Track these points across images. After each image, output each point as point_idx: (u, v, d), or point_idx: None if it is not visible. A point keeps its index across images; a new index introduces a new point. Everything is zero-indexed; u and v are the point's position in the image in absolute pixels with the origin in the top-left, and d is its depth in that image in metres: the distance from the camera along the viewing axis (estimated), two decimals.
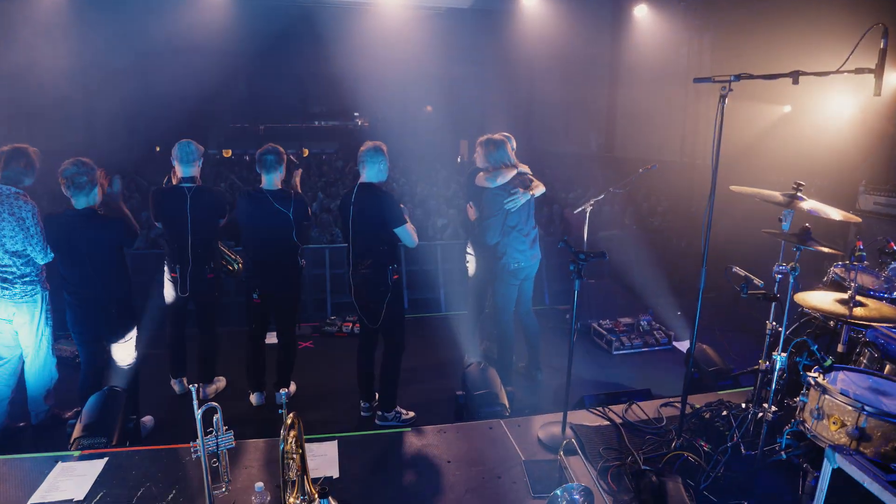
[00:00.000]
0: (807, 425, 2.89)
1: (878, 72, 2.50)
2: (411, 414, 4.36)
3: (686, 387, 3.38)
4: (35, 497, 2.97)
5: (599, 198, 5.50)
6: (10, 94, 10.16)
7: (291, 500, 2.65)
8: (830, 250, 3.07)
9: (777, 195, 3.21)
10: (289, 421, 2.66)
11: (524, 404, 4.46)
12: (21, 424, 4.14)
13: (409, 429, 3.73)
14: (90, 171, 3.70)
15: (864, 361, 3.33)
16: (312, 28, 13.89)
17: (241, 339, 4.67)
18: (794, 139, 7.40)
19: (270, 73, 17.50)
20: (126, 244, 3.92)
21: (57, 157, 3.75)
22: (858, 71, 2.56)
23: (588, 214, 5.53)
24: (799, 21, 6.90)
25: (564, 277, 6.12)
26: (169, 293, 4.49)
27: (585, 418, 3.79)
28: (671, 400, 3.99)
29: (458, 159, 17.35)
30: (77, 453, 3.34)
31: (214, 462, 2.79)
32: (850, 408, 2.67)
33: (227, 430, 2.73)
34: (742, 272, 3.12)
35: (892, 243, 4.12)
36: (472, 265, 5.06)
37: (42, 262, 3.88)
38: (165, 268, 4.46)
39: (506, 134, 4.83)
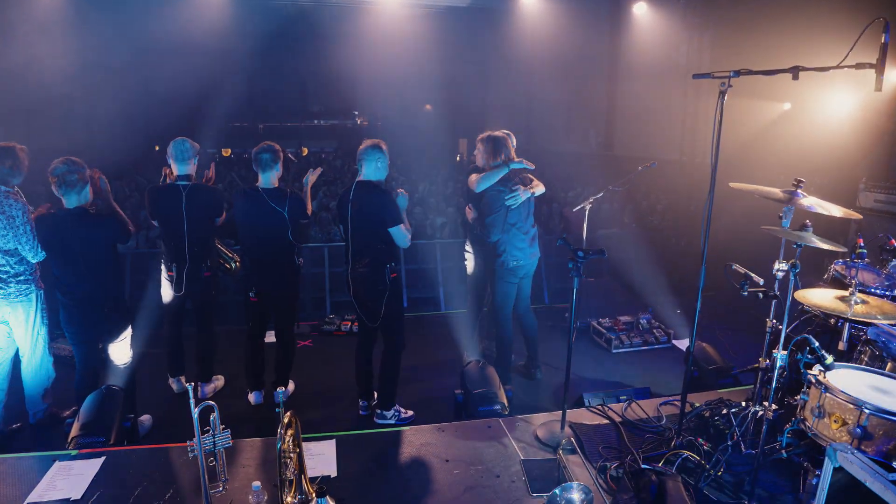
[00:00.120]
0: (808, 424, 2.87)
1: (879, 67, 2.47)
2: (410, 412, 4.34)
3: (686, 385, 3.37)
4: (32, 496, 2.96)
5: (598, 196, 5.48)
6: (10, 93, 10.14)
7: (289, 499, 2.63)
8: (831, 247, 3.05)
9: (777, 192, 3.19)
10: (286, 420, 2.65)
11: (523, 403, 4.45)
12: (18, 424, 4.13)
13: (408, 427, 3.72)
14: (80, 169, 3.68)
15: (866, 359, 3.31)
16: (312, 27, 13.88)
17: (239, 337, 4.66)
18: (794, 136, 7.39)
19: (270, 72, 17.47)
20: (120, 242, 3.90)
21: (56, 156, 3.72)
22: (859, 66, 2.53)
23: (587, 212, 5.51)
24: (799, 18, 6.88)
25: (564, 276, 6.10)
26: (166, 292, 4.47)
27: (584, 417, 3.78)
28: (671, 398, 3.98)
29: (458, 158, 17.33)
30: (74, 452, 3.33)
31: (211, 461, 2.77)
32: (851, 406, 2.66)
33: (224, 429, 2.71)
34: (742, 270, 3.10)
35: (893, 240, 4.10)
36: (470, 263, 5.05)
37: (33, 261, 3.85)
38: (162, 266, 4.44)
39: (506, 131, 4.82)
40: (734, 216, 6.08)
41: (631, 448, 3.35)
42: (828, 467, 2.28)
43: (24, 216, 3.73)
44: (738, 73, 2.84)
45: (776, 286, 3.08)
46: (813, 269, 4.50)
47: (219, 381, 4.80)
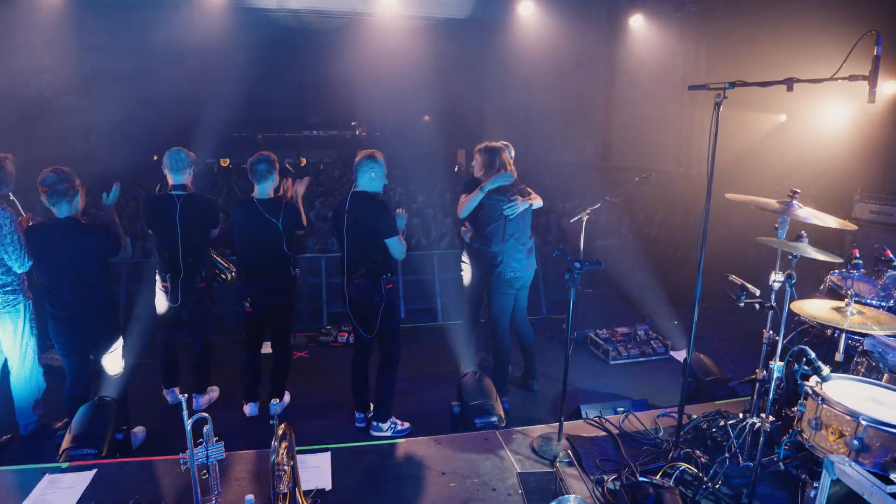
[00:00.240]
0: (805, 435, 2.86)
1: (872, 79, 2.49)
2: (406, 424, 4.31)
3: (683, 397, 3.35)
4: None
5: (596, 207, 5.49)
6: (9, 102, 10.17)
7: None
8: (826, 258, 3.05)
9: (773, 203, 3.20)
10: (280, 432, 2.63)
11: (520, 414, 4.43)
12: (9, 436, 4.09)
13: (404, 440, 3.70)
14: (70, 178, 3.66)
15: (863, 370, 3.30)
16: (310, 38, 13.96)
17: (235, 348, 4.64)
18: (789, 147, 7.43)
19: (269, 82, 17.53)
20: (110, 253, 3.85)
21: (57, 166, 3.71)
22: (852, 78, 2.55)
23: (584, 223, 5.51)
24: (795, 30, 6.93)
25: (561, 287, 6.10)
26: (161, 302, 4.45)
27: (582, 429, 3.75)
28: (668, 410, 3.95)
29: (456, 168, 17.38)
30: (65, 465, 3.30)
31: (204, 474, 2.75)
32: (848, 417, 2.64)
33: (217, 441, 2.69)
34: (738, 281, 3.10)
35: (888, 251, 4.10)
36: (467, 274, 5.03)
37: (19, 271, 3.82)
38: (157, 277, 4.42)
39: (505, 142, 4.83)
40: (731, 227, 6.09)
41: (628, 460, 3.33)
42: (825, 479, 2.27)
43: (11, 225, 3.69)
44: (733, 85, 2.85)
45: (772, 297, 3.08)
46: (809, 280, 4.50)
47: (214, 393, 4.77)
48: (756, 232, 3.40)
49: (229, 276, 4.63)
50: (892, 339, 3.13)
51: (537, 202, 4.55)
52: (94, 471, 3.22)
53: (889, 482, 2.43)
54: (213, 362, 4.73)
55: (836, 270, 4.12)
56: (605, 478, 3.15)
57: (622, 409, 4.01)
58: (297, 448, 2.81)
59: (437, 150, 15.75)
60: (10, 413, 4.11)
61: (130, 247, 7.06)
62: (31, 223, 3.86)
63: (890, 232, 5.96)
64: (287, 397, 4.67)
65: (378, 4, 9.35)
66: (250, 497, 2.65)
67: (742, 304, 3.04)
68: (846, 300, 3.17)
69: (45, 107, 10.78)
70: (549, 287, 7.14)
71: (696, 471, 3.14)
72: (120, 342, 4.00)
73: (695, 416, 3.69)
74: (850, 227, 3.24)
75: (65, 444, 3.44)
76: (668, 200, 9.69)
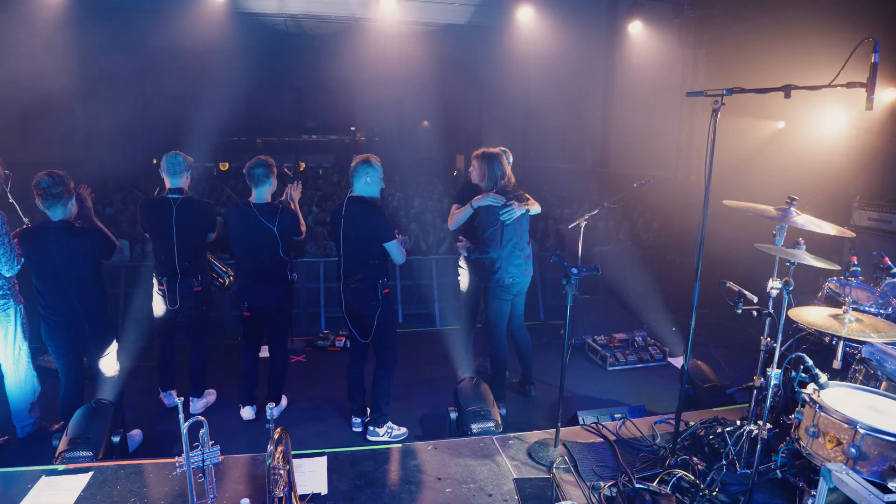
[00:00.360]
0: (802, 443, 2.85)
1: (869, 86, 2.50)
2: (403, 430, 4.30)
3: (680, 403, 3.34)
4: None
5: (594, 213, 5.50)
6: (10, 106, 10.17)
7: None
8: (823, 265, 3.05)
9: (770, 210, 3.20)
10: (276, 436, 2.62)
11: (517, 420, 4.41)
12: (5, 438, 4.07)
13: (400, 445, 3.69)
14: (65, 181, 3.65)
15: (861, 378, 3.30)
16: (310, 43, 13.99)
17: (233, 352, 4.63)
18: (788, 154, 7.44)
19: (268, 87, 17.55)
20: (104, 257, 3.84)
21: (57, 169, 3.71)
22: (850, 85, 2.56)
23: (583, 229, 5.52)
24: (794, 37, 6.95)
25: (559, 293, 6.09)
26: (158, 306, 4.44)
27: (579, 435, 3.75)
28: (666, 417, 3.95)
29: (454, 173, 17.40)
30: (62, 467, 3.29)
31: (200, 477, 2.73)
32: (845, 425, 2.64)
33: (213, 444, 2.68)
34: (736, 287, 3.10)
35: (887, 258, 4.11)
36: (464, 279, 5.03)
37: (8, 275, 3.81)
38: (154, 280, 4.42)
39: (503, 148, 4.83)
40: (729, 233, 6.09)
41: (625, 467, 3.32)
42: (823, 488, 2.27)
43: (2, 227, 3.68)
44: (730, 92, 2.86)
45: (770, 304, 3.08)
46: (808, 288, 4.50)
47: (211, 396, 4.75)
48: (754, 238, 3.41)
49: (227, 281, 4.63)
50: (890, 346, 3.13)
51: (535, 208, 4.55)
52: (91, 473, 3.21)
53: (887, 491, 2.43)
54: (210, 366, 4.72)
55: (835, 277, 4.13)
56: (602, 484, 3.14)
57: (619, 415, 4.00)
58: (293, 452, 2.81)
59: (435, 155, 15.77)
60: (7, 415, 4.10)
61: (129, 249, 7.09)
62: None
63: (888, 239, 5.96)
64: (284, 401, 4.66)
65: (377, 10, 9.37)
66: (246, 501, 2.64)
67: (740, 311, 3.04)
68: (844, 307, 3.17)
69: (45, 110, 10.79)
70: (547, 293, 7.15)
71: (693, 478, 3.13)
72: (114, 345, 3.98)
73: (692, 423, 3.68)
74: (848, 234, 3.25)
75: (61, 446, 3.43)
76: (667, 207, 9.71)
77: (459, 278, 5.09)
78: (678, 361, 5.67)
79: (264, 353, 4.62)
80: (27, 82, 9.97)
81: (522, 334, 4.83)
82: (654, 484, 3.10)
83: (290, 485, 2.67)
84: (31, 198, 3.75)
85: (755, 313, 3.06)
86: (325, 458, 3.42)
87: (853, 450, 2.58)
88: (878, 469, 2.55)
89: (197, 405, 4.57)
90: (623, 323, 6.26)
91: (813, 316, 3.23)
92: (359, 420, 4.36)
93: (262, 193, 4.18)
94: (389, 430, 4.24)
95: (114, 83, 12.98)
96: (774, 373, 3.01)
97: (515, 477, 3.28)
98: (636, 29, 9.68)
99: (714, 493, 3.07)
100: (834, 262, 3.11)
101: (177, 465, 2.59)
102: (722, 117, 2.92)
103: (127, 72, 13.23)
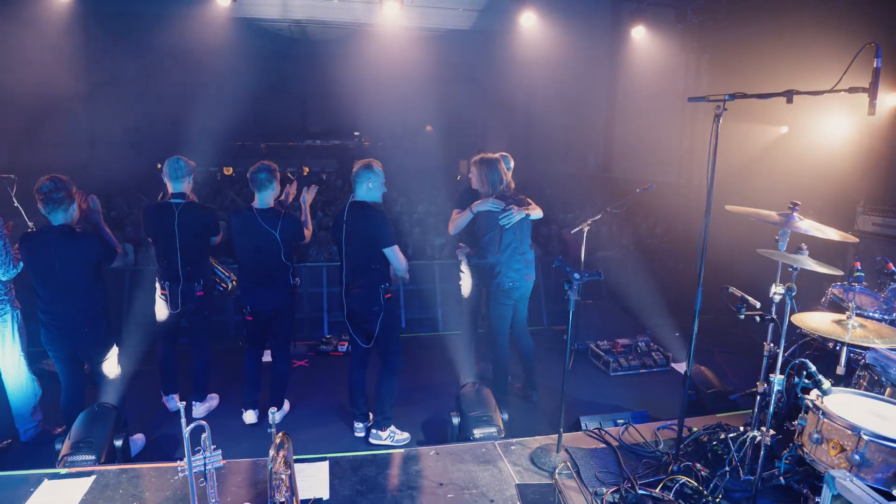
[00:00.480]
0: (805, 450, 2.84)
1: (872, 91, 2.49)
2: (406, 435, 4.29)
3: (683, 409, 3.33)
4: None
5: (597, 218, 5.50)
6: (16, 111, 10.23)
7: None
8: (826, 270, 3.04)
9: (773, 215, 3.19)
10: (278, 440, 2.62)
11: (519, 426, 4.40)
12: (9, 441, 4.09)
13: (402, 450, 3.68)
14: (67, 186, 3.66)
15: (864, 384, 3.28)
16: (313, 48, 14.04)
17: (236, 356, 4.63)
18: (791, 160, 7.41)
19: (272, 92, 17.61)
20: (104, 262, 3.84)
21: (62, 174, 3.73)
22: (852, 90, 2.56)
23: (585, 234, 5.51)
24: (796, 42, 6.94)
25: (562, 298, 6.10)
26: (160, 310, 4.46)
27: (581, 441, 3.74)
28: (669, 422, 3.93)
29: (458, 178, 17.41)
30: (64, 471, 3.29)
31: (202, 482, 2.73)
32: (849, 432, 2.62)
33: (215, 448, 2.68)
34: (738, 293, 3.09)
35: (891, 264, 4.09)
36: (465, 284, 5.03)
37: (4, 278, 3.83)
38: (157, 284, 4.43)
39: (504, 153, 4.84)
40: (732, 239, 6.09)
41: (628, 473, 3.31)
42: (826, 495, 2.26)
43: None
44: (732, 97, 2.86)
45: (773, 309, 3.07)
46: (811, 293, 4.48)
47: (213, 401, 4.76)
48: (757, 244, 3.40)
49: (229, 285, 4.64)
50: (894, 352, 3.12)
51: (535, 213, 4.54)
52: (93, 477, 3.22)
53: (891, 498, 2.42)
54: (212, 370, 4.73)
55: (838, 283, 4.11)
56: (605, 490, 3.13)
57: (622, 420, 3.99)
58: (295, 457, 2.80)
59: (438, 160, 15.79)
60: (10, 419, 4.11)
61: (133, 253, 7.11)
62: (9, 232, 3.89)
63: (893, 244, 5.93)
64: (286, 406, 4.66)
65: (381, 15, 9.39)
66: None
67: (742, 317, 3.03)
68: (848, 313, 3.16)
69: (52, 114, 10.84)
70: (550, 298, 7.13)
71: (696, 484, 3.12)
72: (115, 350, 3.99)
73: (695, 429, 3.67)
74: (852, 239, 3.23)
75: (64, 450, 3.44)
76: (670, 212, 9.68)
77: (461, 283, 5.09)
78: (681, 367, 5.65)
79: (267, 357, 4.63)
80: (34, 87, 10.02)
81: (525, 339, 4.82)
82: (657, 490, 3.09)
83: (292, 489, 2.66)
84: (35, 202, 3.77)
85: (758, 319, 3.05)
86: (326, 463, 3.42)
87: (857, 456, 2.57)
88: (883, 476, 2.53)
89: (199, 409, 4.57)
90: (626, 328, 6.25)
91: (816, 321, 3.22)
92: (361, 425, 4.35)
93: (264, 198, 4.19)
94: (392, 435, 4.24)
95: (119, 88, 13.05)
96: (777, 379, 3.00)
97: (518, 483, 3.27)
98: (639, 34, 9.68)
99: (717, 500, 3.05)
100: (837, 268, 3.11)
101: (178, 469, 2.59)
102: (724, 122, 2.92)
103: (132, 76, 13.30)
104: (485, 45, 13.38)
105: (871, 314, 3.69)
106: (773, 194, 6.70)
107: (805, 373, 2.96)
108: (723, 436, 3.45)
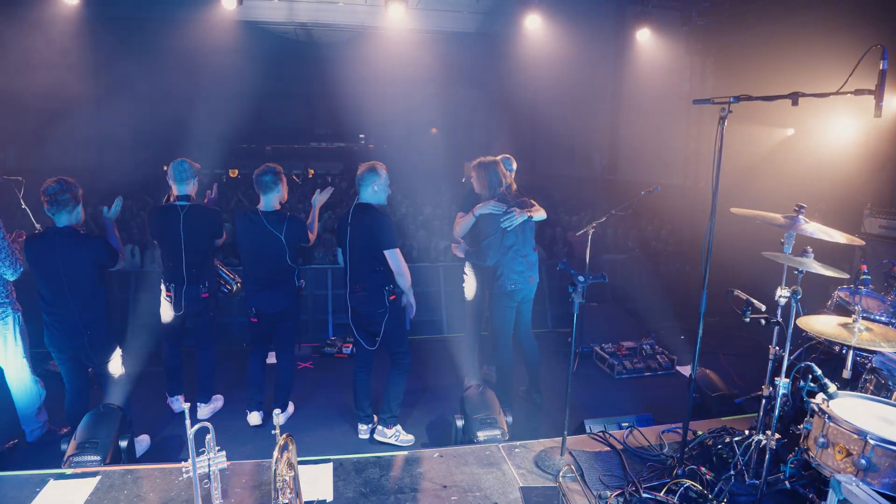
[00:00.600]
0: (811, 454, 2.82)
1: (878, 93, 2.48)
2: (410, 437, 4.30)
3: (688, 412, 3.32)
4: None
5: (602, 220, 5.48)
6: (25, 114, 10.31)
7: None
8: (831, 273, 3.03)
9: (778, 217, 3.18)
10: (282, 442, 2.62)
11: (523, 428, 4.39)
12: (15, 441, 4.11)
13: (406, 452, 3.68)
14: (73, 189, 3.69)
15: (871, 388, 3.26)
16: (319, 51, 14.08)
17: (241, 358, 4.65)
18: (796, 162, 7.39)
19: (278, 94, 17.67)
20: (107, 265, 3.86)
21: (70, 176, 3.76)
22: (858, 92, 2.55)
23: (590, 237, 5.50)
24: (802, 45, 6.92)
25: (567, 300, 6.12)
26: (165, 311, 4.47)
27: (585, 444, 3.72)
28: (673, 426, 3.91)
29: (463, 180, 17.40)
30: (70, 471, 3.31)
31: (206, 483, 2.74)
32: (855, 436, 2.61)
33: (219, 450, 2.69)
34: (744, 296, 3.08)
35: None
36: (469, 286, 5.02)
37: (11, 279, 3.85)
38: (162, 286, 4.45)
39: (507, 155, 4.83)
40: (737, 241, 6.07)
41: (632, 476, 3.30)
42: (832, 499, 2.24)
43: (0, 231, 3.72)
44: (737, 99, 2.85)
45: (778, 312, 3.05)
46: (817, 296, 4.46)
47: (218, 402, 4.77)
48: (763, 246, 3.38)
49: (234, 287, 4.65)
50: None
51: (539, 214, 4.53)
52: (98, 478, 3.23)
53: None
54: (217, 371, 4.75)
55: (844, 286, 4.09)
56: (609, 494, 3.12)
57: (627, 424, 3.97)
58: (299, 459, 2.81)
59: (444, 162, 15.79)
60: (15, 419, 4.14)
61: (139, 256, 7.15)
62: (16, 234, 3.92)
63: None
64: (291, 408, 4.67)
65: (386, 18, 9.40)
66: None
67: (748, 320, 3.02)
68: (854, 316, 3.14)
69: (60, 118, 10.92)
70: (555, 300, 7.12)
71: (700, 488, 3.10)
72: (117, 352, 4.00)
73: (700, 433, 3.65)
74: (858, 242, 3.22)
75: (69, 450, 3.46)
76: (676, 214, 9.66)
77: (465, 285, 5.09)
78: (686, 370, 5.63)
79: (271, 359, 4.64)
80: (43, 90, 10.11)
81: (529, 342, 4.81)
82: (662, 494, 3.07)
83: (296, 491, 2.67)
84: (42, 204, 3.79)
85: (763, 322, 3.04)
86: (330, 465, 3.42)
87: (863, 461, 2.55)
88: (889, 481, 2.51)
89: (204, 411, 4.59)
90: (631, 331, 6.23)
91: (822, 325, 3.20)
92: (365, 427, 4.36)
93: (270, 201, 4.20)
94: (397, 434, 4.24)
95: (126, 90, 13.13)
96: (783, 382, 2.99)
97: (521, 485, 3.26)
98: (644, 36, 9.66)
99: None
100: (843, 271, 3.09)
101: (183, 470, 2.60)
102: (730, 125, 2.91)
103: (139, 79, 13.38)
104: (489, 47, 13.37)
105: (877, 317, 3.67)
106: (778, 197, 6.67)
107: (811, 376, 2.94)
108: (728, 439, 3.44)
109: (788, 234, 3.09)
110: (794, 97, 2.73)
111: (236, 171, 17.98)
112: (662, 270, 7.78)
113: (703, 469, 3.23)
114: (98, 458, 3.41)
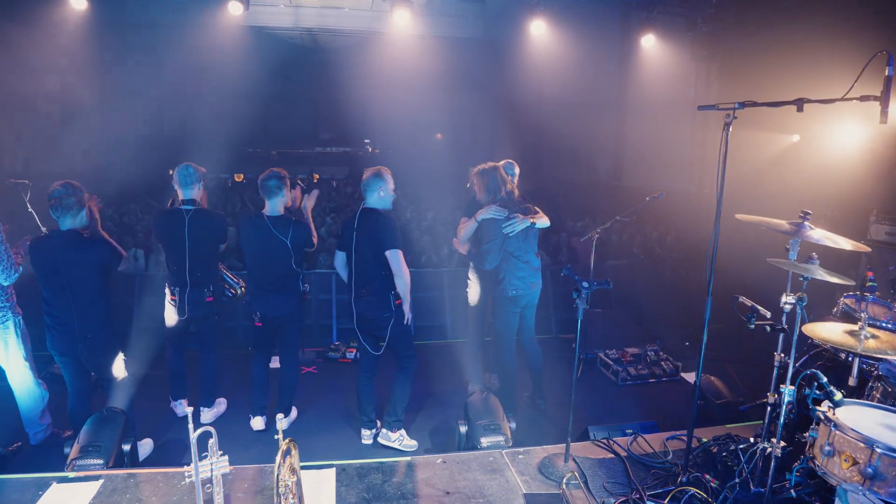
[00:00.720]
0: (817, 462, 2.80)
1: (883, 99, 2.47)
2: (414, 442, 4.28)
3: (693, 419, 3.30)
4: None
5: (606, 226, 5.48)
6: (31, 118, 10.39)
7: None
8: (837, 280, 3.01)
9: (783, 224, 3.17)
10: (284, 447, 2.62)
11: (527, 435, 4.38)
12: (18, 444, 4.12)
13: (409, 458, 3.67)
14: (78, 193, 3.70)
15: (878, 396, 3.23)
16: (324, 56, 14.15)
17: (245, 362, 4.65)
18: (802, 168, 7.37)
19: (283, 99, 17.76)
20: (111, 267, 3.86)
21: (78, 180, 3.77)
22: (863, 98, 2.54)
23: (594, 243, 5.49)
24: (807, 50, 6.91)
25: (571, 306, 6.10)
26: (169, 315, 4.48)
27: (589, 450, 3.71)
28: (678, 433, 3.89)
29: (468, 185, 17.40)
30: (73, 475, 3.31)
31: (208, 487, 2.74)
32: (862, 445, 2.59)
33: (222, 454, 2.68)
34: (749, 302, 3.06)
35: None
36: (472, 291, 5.02)
37: (6, 283, 3.86)
38: (166, 290, 4.46)
39: (509, 160, 4.83)
40: (742, 248, 6.05)
41: (636, 484, 3.28)
42: None
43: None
44: (742, 105, 2.85)
45: (783, 319, 3.04)
46: (823, 303, 4.44)
47: (221, 406, 4.77)
48: (768, 253, 3.37)
49: (238, 292, 4.65)
50: None
51: (542, 221, 4.50)
52: (101, 481, 3.23)
53: None
54: (221, 376, 4.75)
55: (850, 293, 4.06)
56: (613, 501, 3.11)
57: (631, 430, 3.95)
58: (301, 464, 2.80)
59: (448, 167, 15.81)
60: (19, 422, 4.14)
61: (144, 259, 7.17)
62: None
63: None
64: (294, 412, 4.67)
65: (391, 23, 9.46)
66: None
67: (753, 327, 3.00)
68: (860, 323, 3.12)
69: (68, 122, 11.01)
70: (559, 306, 7.10)
71: (705, 496, 3.08)
72: (120, 355, 3.99)
73: (705, 440, 3.63)
74: (864, 248, 3.20)
75: (72, 453, 3.46)
76: (680, 220, 9.64)
77: (468, 290, 5.08)
78: (691, 377, 5.60)
79: (275, 363, 4.63)
80: (51, 94, 10.20)
81: (533, 348, 4.80)
82: (666, 501, 3.06)
83: (299, 496, 2.66)
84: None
85: (768, 329, 3.02)
86: (333, 470, 3.41)
87: (870, 470, 2.53)
88: None
89: (207, 415, 4.59)
90: (635, 337, 6.20)
91: (827, 332, 3.18)
92: (368, 432, 4.35)
93: (275, 205, 4.20)
94: (400, 439, 4.23)
95: (133, 95, 13.22)
96: (788, 389, 2.97)
97: (525, 492, 3.24)
98: (649, 42, 9.68)
99: None
100: (849, 278, 3.07)
101: (186, 474, 2.60)
102: (735, 130, 2.91)
103: (146, 84, 13.47)
104: (495, 52, 13.41)
105: (884, 325, 3.64)
106: (783, 203, 6.66)
107: (816, 384, 2.92)
108: (732, 447, 3.42)
109: (794, 240, 3.08)
110: (800, 103, 2.72)
111: (241, 176, 18.04)
112: (667, 277, 7.75)
113: (707, 477, 3.21)
114: (101, 461, 3.42)
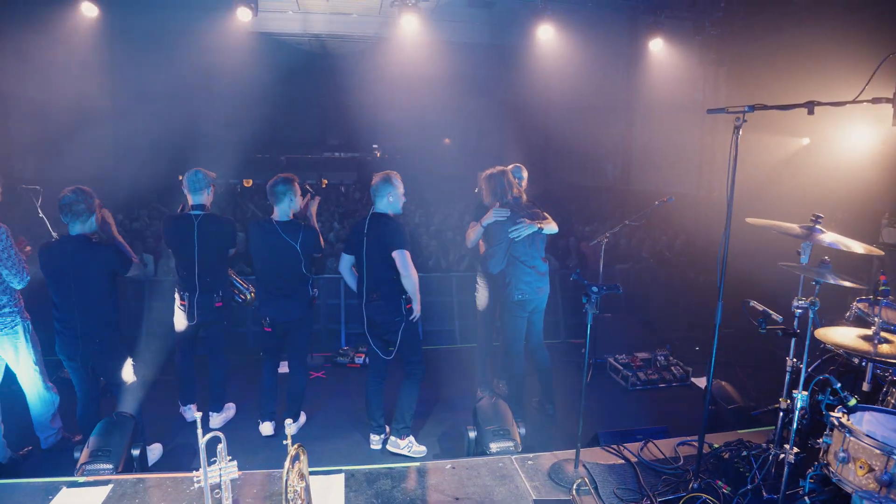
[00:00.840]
0: (831, 468, 2.77)
1: (895, 102, 2.45)
2: (423, 448, 4.27)
3: (704, 425, 3.27)
4: None
5: (615, 230, 5.46)
6: (42, 123, 10.49)
7: None
8: (849, 284, 2.98)
9: (795, 227, 3.14)
10: (293, 452, 2.61)
11: (536, 440, 4.35)
12: (29, 448, 4.14)
13: (418, 463, 3.66)
14: (88, 198, 3.72)
15: (892, 401, 3.19)
16: (333, 62, 14.23)
17: (254, 367, 4.65)
18: (813, 171, 7.32)
19: (292, 105, 17.84)
20: (120, 272, 3.87)
21: (88, 185, 3.80)
22: (875, 101, 2.52)
23: (603, 247, 5.47)
24: (817, 53, 6.87)
25: (580, 311, 6.08)
26: (179, 320, 4.50)
27: (599, 456, 3.68)
28: (689, 439, 3.85)
29: (476, 190, 17.39)
30: (83, 479, 3.32)
31: (217, 493, 2.74)
32: (878, 451, 2.55)
33: (231, 459, 2.68)
34: (760, 307, 3.04)
35: None
36: (481, 296, 5.00)
37: (18, 287, 3.88)
38: (176, 295, 4.47)
39: (517, 164, 4.82)
40: (753, 252, 6.00)
41: (647, 490, 3.25)
42: None
43: (7, 240, 3.74)
44: (752, 108, 2.83)
45: (795, 324, 3.01)
46: (836, 307, 4.39)
47: (230, 411, 4.78)
48: (779, 257, 3.34)
49: (248, 297, 4.67)
50: None
51: (549, 227, 4.48)
52: (111, 486, 3.24)
53: None
54: (230, 381, 4.76)
55: (863, 297, 4.02)
56: None
57: (641, 436, 3.92)
58: (310, 469, 2.80)
59: (456, 172, 15.83)
60: (30, 426, 4.17)
61: (153, 264, 7.21)
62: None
63: None
64: (303, 418, 4.67)
65: (399, 29, 9.50)
66: None
67: (764, 331, 2.97)
68: (874, 328, 3.08)
69: (78, 128, 11.09)
70: (568, 311, 7.07)
71: (717, 502, 3.05)
72: (128, 361, 4.01)
73: (716, 446, 3.59)
74: (876, 252, 3.17)
75: (82, 458, 3.47)
76: (690, 224, 9.59)
77: (477, 295, 5.07)
78: (701, 382, 5.55)
79: (284, 368, 4.64)
80: (62, 100, 10.29)
81: (542, 353, 4.78)
82: None
83: (307, 502, 2.65)
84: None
85: (780, 333, 2.99)
86: (342, 476, 3.40)
87: (886, 477, 2.49)
88: None
89: (216, 420, 4.60)
90: (645, 342, 6.17)
91: (840, 336, 3.15)
92: (377, 437, 4.34)
93: (284, 210, 4.22)
94: (409, 445, 4.22)
95: (143, 101, 13.32)
96: (801, 395, 2.93)
97: (535, 498, 3.22)
98: (657, 46, 9.66)
99: None
100: (861, 282, 3.04)
101: (194, 479, 2.60)
102: (745, 134, 2.89)
103: (156, 90, 13.58)
104: (502, 57, 13.43)
105: None
106: (794, 206, 6.61)
107: (829, 389, 2.89)
108: (745, 453, 3.38)
109: (805, 244, 3.05)
110: (811, 106, 2.70)
111: (251, 181, 18.13)
112: (676, 281, 7.70)
113: (719, 483, 3.18)
114: (110, 466, 3.42)
